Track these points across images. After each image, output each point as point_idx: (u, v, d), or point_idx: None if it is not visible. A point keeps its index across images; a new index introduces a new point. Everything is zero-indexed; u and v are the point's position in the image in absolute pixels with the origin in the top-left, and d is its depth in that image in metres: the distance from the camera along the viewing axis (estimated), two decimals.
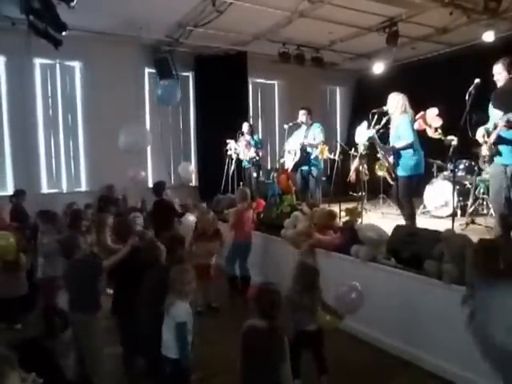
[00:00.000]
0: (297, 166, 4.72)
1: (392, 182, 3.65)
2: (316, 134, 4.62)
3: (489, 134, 2.72)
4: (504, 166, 2.68)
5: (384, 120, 3.59)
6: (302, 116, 4.75)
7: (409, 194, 3.49)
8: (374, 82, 6.66)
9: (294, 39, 6.05)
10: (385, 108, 3.56)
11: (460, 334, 2.25)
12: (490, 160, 2.77)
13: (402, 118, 3.46)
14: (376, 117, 3.62)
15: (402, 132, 3.44)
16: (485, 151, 2.77)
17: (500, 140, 2.65)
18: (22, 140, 5.67)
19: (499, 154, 2.69)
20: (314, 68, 6.79)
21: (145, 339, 2.11)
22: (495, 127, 2.65)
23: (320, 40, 6.20)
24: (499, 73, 2.69)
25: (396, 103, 3.48)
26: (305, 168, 4.70)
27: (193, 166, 6.17)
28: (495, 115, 2.73)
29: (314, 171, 4.66)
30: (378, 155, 3.64)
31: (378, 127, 3.60)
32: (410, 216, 3.50)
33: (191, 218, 3.73)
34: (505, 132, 2.60)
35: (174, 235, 2.75)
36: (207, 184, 6.43)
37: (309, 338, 2.12)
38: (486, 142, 2.74)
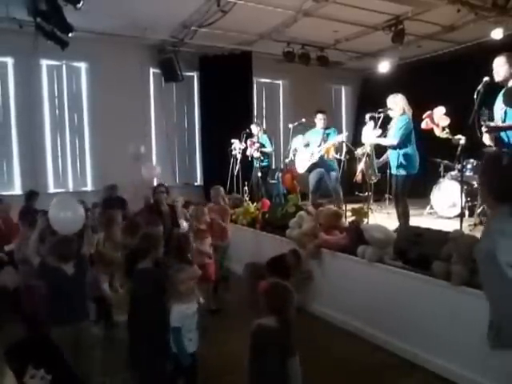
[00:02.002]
0: (312, 167, 4.66)
1: (372, 181, 3.70)
2: (334, 137, 4.56)
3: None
4: None
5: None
6: (321, 120, 4.66)
7: (404, 192, 3.55)
8: (379, 80, 6.60)
9: (298, 38, 6.02)
10: (391, 107, 3.57)
11: (468, 337, 2.22)
12: None
13: (399, 119, 3.52)
14: (382, 116, 3.61)
15: (394, 131, 3.51)
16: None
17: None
18: (29, 140, 5.74)
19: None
20: (319, 67, 6.75)
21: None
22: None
23: (325, 39, 6.16)
24: (501, 65, 2.59)
25: (395, 104, 3.53)
26: (322, 169, 4.62)
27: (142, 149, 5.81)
28: (495, 115, 2.66)
29: (335, 172, 4.62)
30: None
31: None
32: (404, 214, 3.54)
33: (184, 223, 3.57)
34: None
35: (181, 234, 2.74)
36: (212, 183, 6.40)
37: None
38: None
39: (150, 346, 2.01)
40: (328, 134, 4.60)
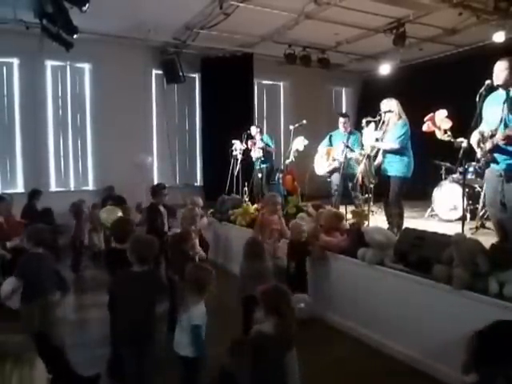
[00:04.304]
0: (334, 171, 4.58)
1: (371, 183, 3.71)
2: (355, 143, 4.38)
3: (484, 138, 2.64)
4: (499, 171, 2.61)
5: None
6: (341, 124, 4.61)
7: (400, 195, 3.63)
8: (380, 83, 6.61)
9: (300, 41, 6.05)
10: (391, 109, 3.63)
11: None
12: (486, 165, 2.72)
13: (398, 124, 3.59)
14: (383, 118, 3.63)
15: (393, 136, 3.57)
16: (480, 156, 2.71)
17: (498, 149, 2.57)
18: (32, 139, 5.77)
19: (495, 161, 2.62)
20: (320, 69, 6.76)
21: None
22: (492, 135, 2.56)
23: (326, 41, 6.19)
24: (502, 70, 2.56)
25: (390, 108, 3.60)
26: (344, 172, 4.45)
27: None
28: (488, 118, 2.65)
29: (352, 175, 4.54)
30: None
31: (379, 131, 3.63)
32: (400, 217, 3.60)
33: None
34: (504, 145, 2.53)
35: (180, 234, 2.74)
36: (212, 184, 6.43)
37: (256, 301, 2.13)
38: (481, 148, 2.66)
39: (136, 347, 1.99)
40: (353, 140, 4.35)
